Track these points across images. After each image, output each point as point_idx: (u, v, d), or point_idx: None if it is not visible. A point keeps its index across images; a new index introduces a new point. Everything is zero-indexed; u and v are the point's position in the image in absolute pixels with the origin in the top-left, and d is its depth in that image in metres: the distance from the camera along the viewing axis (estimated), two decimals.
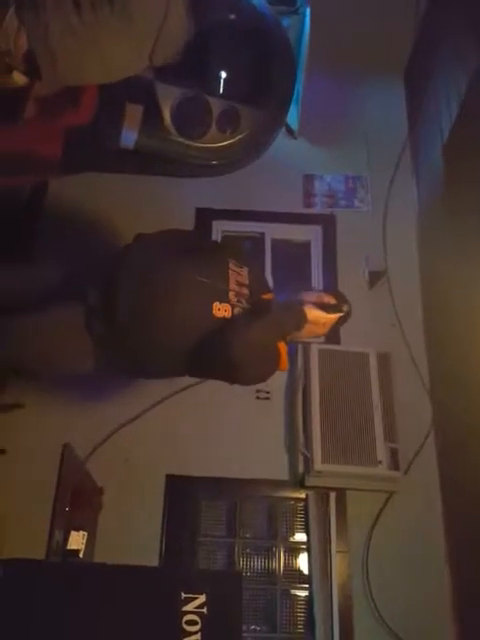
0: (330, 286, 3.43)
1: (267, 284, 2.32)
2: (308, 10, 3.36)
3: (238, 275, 2.14)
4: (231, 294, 2.06)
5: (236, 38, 2.90)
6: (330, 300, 2.15)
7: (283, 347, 2.08)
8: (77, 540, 1.96)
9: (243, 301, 2.08)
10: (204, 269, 2.08)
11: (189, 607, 1.60)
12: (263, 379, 2.14)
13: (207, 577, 1.77)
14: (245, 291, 2.11)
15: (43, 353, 2.08)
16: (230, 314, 2.03)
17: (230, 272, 2.12)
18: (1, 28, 1.87)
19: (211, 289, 2.04)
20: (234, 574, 2.38)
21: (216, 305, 2.02)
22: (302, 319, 2.06)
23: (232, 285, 2.08)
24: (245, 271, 2.18)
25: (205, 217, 3.61)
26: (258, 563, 2.95)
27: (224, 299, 2.04)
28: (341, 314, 2.14)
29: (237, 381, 2.11)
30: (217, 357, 1.95)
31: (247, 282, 2.15)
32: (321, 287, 3.47)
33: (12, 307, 2.04)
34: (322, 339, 3.18)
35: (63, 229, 3.33)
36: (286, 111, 3.19)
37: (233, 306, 2.04)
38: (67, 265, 2.30)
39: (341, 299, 2.19)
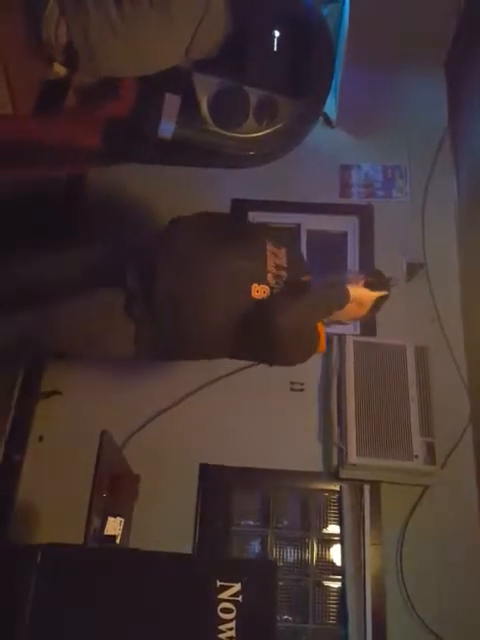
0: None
1: (305, 265, 2.31)
2: None
3: (276, 257, 2.14)
4: (269, 276, 2.06)
5: (274, 27, 2.87)
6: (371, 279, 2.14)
7: (322, 328, 2.08)
8: (114, 526, 1.98)
9: (281, 283, 2.08)
10: (241, 251, 2.09)
11: (224, 595, 1.61)
12: (303, 359, 2.12)
13: (243, 566, 1.78)
14: (283, 273, 2.11)
15: (88, 336, 2.09)
16: (268, 295, 2.03)
17: (268, 254, 2.12)
18: (43, 18, 1.89)
19: (249, 271, 2.05)
20: (269, 563, 2.38)
21: (254, 286, 2.03)
22: (345, 297, 2.05)
23: (270, 267, 2.09)
24: (283, 252, 2.18)
25: (241, 208, 3.59)
26: (291, 554, 2.95)
27: (262, 281, 2.05)
28: (385, 292, 2.11)
29: (278, 360, 2.11)
30: (260, 335, 1.95)
31: (285, 264, 2.14)
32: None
33: (57, 291, 2.06)
34: (357, 330, 3.20)
35: (101, 222, 3.37)
36: (324, 101, 3.13)
37: (271, 288, 2.05)
38: (110, 246, 2.32)
39: (382, 277, 2.18)
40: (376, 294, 2.13)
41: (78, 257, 2.27)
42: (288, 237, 2.43)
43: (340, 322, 2.26)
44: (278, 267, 2.11)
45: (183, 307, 2.01)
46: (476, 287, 3.20)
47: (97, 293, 2.08)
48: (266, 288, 2.04)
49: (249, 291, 2.02)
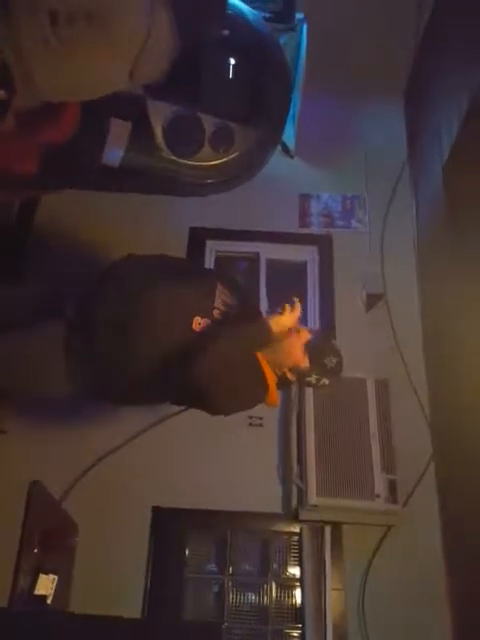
0: (326, 305, 3.34)
1: (258, 310, 2.23)
2: (305, 27, 3.30)
3: (226, 296, 2.07)
4: (215, 312, 1.98)
5: (231, 55, 2.83)
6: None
7: (272, 378, 1.95)
8: (46, 584, 1.80)
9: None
10: (189, 283, 2.02)
11: None
12: (242, 406, 2.02)
13: (185, 629, 1.63)
14: (231, 312, 2.04)
15: (21, 374, 1.99)
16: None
17: (217, 291, 2.05)
18: None
19: (193, 302, 1.98)
20: (213, 626, 2.22)
21: (197, 319, 1.95)
22: (264, 327, 1.96)
23: (217, 303, 2.01)
24: (234, 295, 2.11)
25: (199, 237, 3.53)
26: (249, 600, 2.82)
27: (207, 315, 1.96)
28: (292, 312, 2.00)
29: (211, 407, 1.97)
30: (183, 377, 1.84)
31: (234, 303, 2.07)
32: (317, 306, 3.39)
33: None
34: None
35: (53, 250, 3.26)
36: (281, 130, 3.10)
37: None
38: (54, 284, 2.24)
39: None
40: (293, 315, 1.99)
41: (22, 295, 2.19)
42: (243, 283, 2.34)
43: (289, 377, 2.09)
44: (226, 305, 2.03)
45: (121, 331, 1.91)
46: (436, 317, 3.16)
47: (35, 329, 1.97)
48: (209, 322, 1.95)
49: (190, 322, 1.93)
